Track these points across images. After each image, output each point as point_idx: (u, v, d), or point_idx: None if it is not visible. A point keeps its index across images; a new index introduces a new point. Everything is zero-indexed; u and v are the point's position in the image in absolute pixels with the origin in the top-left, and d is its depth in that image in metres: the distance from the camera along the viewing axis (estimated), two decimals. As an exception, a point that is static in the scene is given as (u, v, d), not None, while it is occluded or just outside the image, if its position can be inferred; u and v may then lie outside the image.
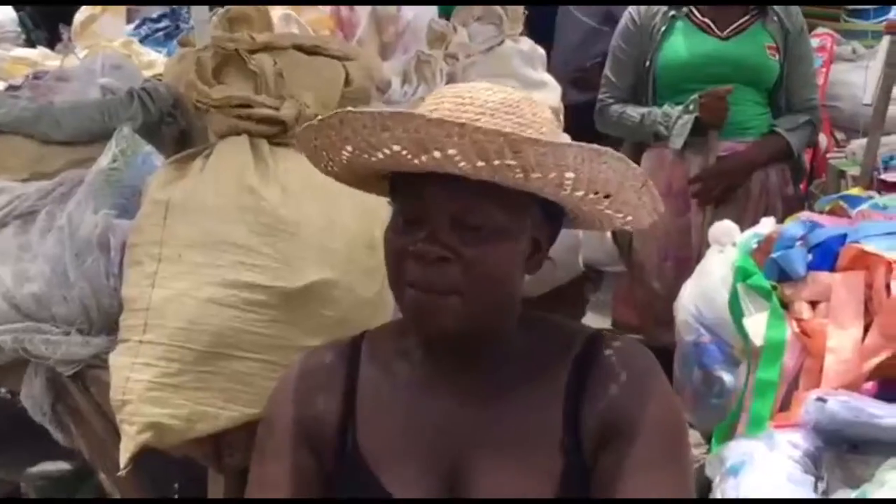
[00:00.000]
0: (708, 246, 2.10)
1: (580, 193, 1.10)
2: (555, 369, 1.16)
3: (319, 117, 1.10)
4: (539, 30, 3.88)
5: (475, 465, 1.13)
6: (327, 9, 3.41)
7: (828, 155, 3.43)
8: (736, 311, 1.80)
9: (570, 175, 1.06)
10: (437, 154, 1.03)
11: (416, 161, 1.05)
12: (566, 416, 1.13)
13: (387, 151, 1.06)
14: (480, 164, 1.03)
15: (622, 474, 1.08)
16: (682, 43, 2.80)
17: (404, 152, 1.05)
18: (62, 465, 2.61)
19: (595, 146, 1.07)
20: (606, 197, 1.11)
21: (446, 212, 1.08)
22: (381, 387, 1.20)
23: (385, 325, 1.30)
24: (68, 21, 3.90)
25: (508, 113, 1.10)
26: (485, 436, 1.14)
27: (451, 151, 1.02)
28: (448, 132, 1.01)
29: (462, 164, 1.03)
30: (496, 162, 1.02)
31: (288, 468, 1.19)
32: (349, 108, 1.08)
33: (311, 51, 2.36)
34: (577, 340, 1.18)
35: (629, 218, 1.17)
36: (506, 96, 1.12)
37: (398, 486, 1.14)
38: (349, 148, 1.10)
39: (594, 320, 3.22)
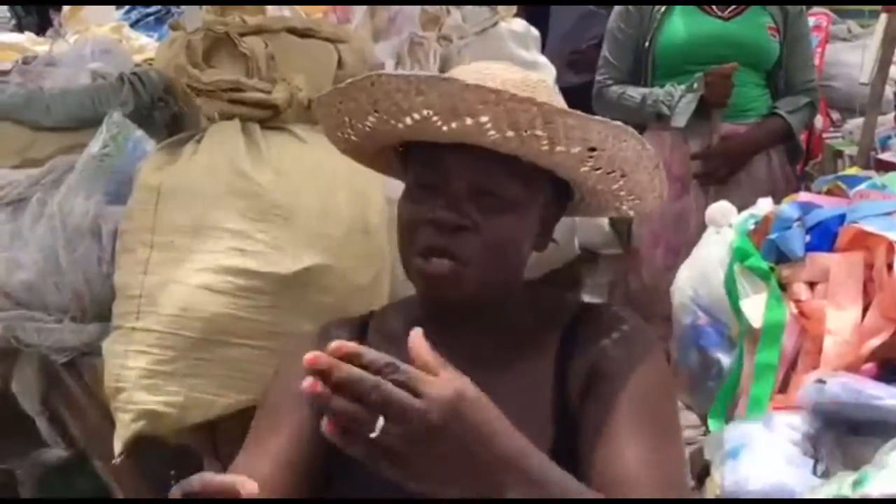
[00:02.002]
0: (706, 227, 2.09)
1: (599, 171, 1.11)
2: (547, 338, 1.17)
3: (349, 81, 1.10)
4: (534, 11, 3.86)
5: None
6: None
7: (824, 135, 3.42)
8: (732, 292, 1.79)
9: (593, 151, 1.08)
10: (468, 121, 1.03)
11: (445, 128, 1.05)
12: (556, 384, 1.14)
13: (416, 117, 1.06)
14: (510, 133, 1.04)
15: (604, 426, 1.07)
16: (683, 23, 2.77)
17: (435, 118, 1.05)
18: (58, 453, 2.59)
19: (618, 123, 1.09)
20: (622, 176, 1.13)
21: (466, 181, 1.09)
22: None
23: (391, 303, 1.32)
24: (58, 7, 3.87)
25: (528, 91, 1.10)
26: None
27: (483, 119, 1.03)
28: (483, 98, 1.01)
29: (492, 133, 1.04)
30: (526, 132, 1.04)
31: (290, 416, 1.16)
32: (381, 72, 1.08)
33: (304, 33, 2.33)
34: (568, 311, 1.20)
35: (636, 201, 1.18)
36: (525, 76, 1.14)
37: None
38: (377, 113, 1.10)
39: (590, 303, 3.20)
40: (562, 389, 1.14)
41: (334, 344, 0.81)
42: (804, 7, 2.87)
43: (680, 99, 2.69)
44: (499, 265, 1.12)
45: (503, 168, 1.09)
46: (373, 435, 0.78)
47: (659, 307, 2.68)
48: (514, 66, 1.17)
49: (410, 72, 1.06)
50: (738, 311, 1.77)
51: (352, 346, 0.81)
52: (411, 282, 1.16)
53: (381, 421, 0.78)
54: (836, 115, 3.85)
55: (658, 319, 2.64)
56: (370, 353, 0.81)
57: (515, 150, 1.06)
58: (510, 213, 1.11)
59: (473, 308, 1.14)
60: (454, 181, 1.10)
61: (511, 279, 1.17)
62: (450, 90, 1.02)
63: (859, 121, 2.85)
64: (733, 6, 2.76)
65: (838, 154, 2.96)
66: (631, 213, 1.22)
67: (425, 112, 1.05)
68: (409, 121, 1.07)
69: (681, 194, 2.77)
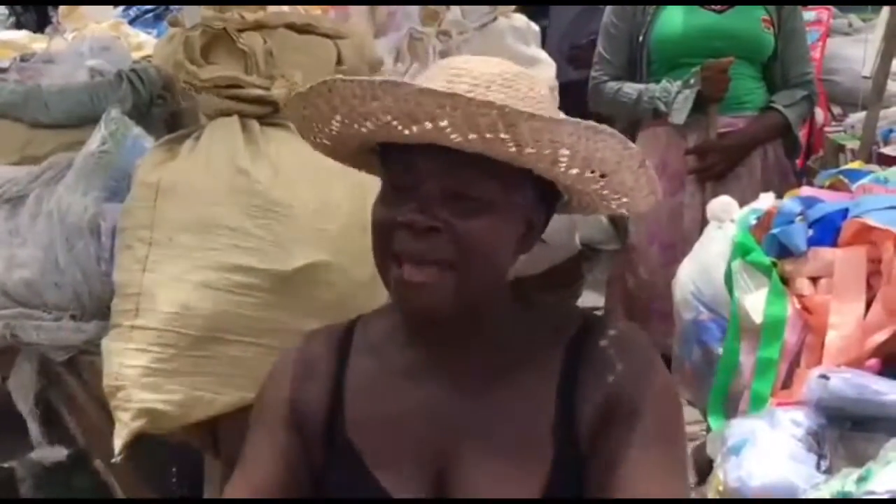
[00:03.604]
0: (707, 224, 2.08)
1: (575, 171, 1.06)
2: (547, 355, 1.12)
3: (308, 86, 1.06)
4: (534, 6, 3.85)
5: (465, 454, 1.10)
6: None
7: (826, 129, 3.41)
8: (730, 287, 1.78)
9: (565, 152, 1.03)
10: (428, 125, 1.00)
11: (406, 132, 1.02)
12: (559, 403, 1.09)
13: (377, 122, 1.03)
14: (472, 136, 1.00)
15: (619, 461, 1.05)
16: (678, 17, 2.76)
17: (395, 123, 1.02)
18: (58, 452, 2.59)
19: (592, 123, 1.03)
20: (602, 177, 1.08)
21: (438, 183, 1.05)
22: (371, 375, 1.17)
23: (380, 308, 1.27)
24: (57, 4, 3.86)
25: (504, 86, 1.07)
26: (474, 424, 1.10)
27: (442, 123, 0.99)
28: (440, 103, 0.98)
29: (454, 136, 1.00)
30: (488, 135, 0.99)
31: (274, 445, 1.17)
32: (338, 76, 1.04)
33: (303, 29, 2.33)
34: (571, 325, 1.14)
35: (625, 200, 1.13)
36: (503, 69, 1.09)
37: (387, 476, 1.12)
38: (338, 117, 1.07)
39: (591, 299, 3.20)
40: (566, 417, 1.09)
41: None
42: None
43: (677, 95, 2.68)
44: (476, 269, 1.06)
45: (478, 167, 1.04)
46: None
47: (657, 304, 2.68)
48: (496, 59, 1.11)
49: (367, 77, 1.02)
50: (734, 305, 1.76)
51: None
52: (387, 290, 1.10)
53: None
54: (837, 110, 3.84)
55: (656, 317, 2.64)
56: None
57: (483, 152, 1.02)
58: (486, 214, 1.06)
59: (454, 318, 1.08)
60: (426, 183, 1.05)
61: (492, 284, 1.11)
62: (404, 95, 0.99)
63: (861, 115, 2.83)
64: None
65: (840, 148, 2.95)
66: (623, 211, 1.17)
67: (385, 117, 1.02)
68: (370, 125, 1.05)
69: (676, 191, 2.76)
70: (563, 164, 1.05)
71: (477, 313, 1.11)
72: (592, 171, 1.07)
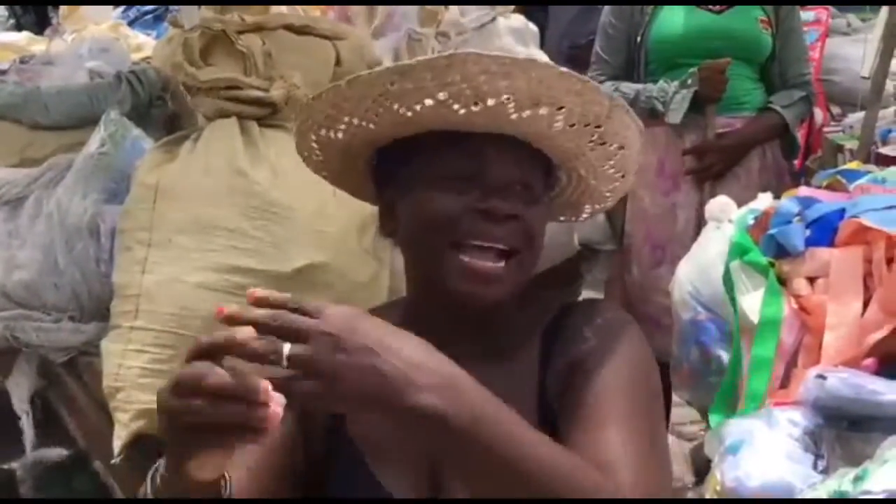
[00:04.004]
0: (705, 224, 2.08)
1: (613, 171, 1.17)
2: (530, 339, 1.16)
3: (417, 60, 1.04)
4: (533, 7, 3.85)
5: None
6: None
7: (824, 129, 3.41)
8: (728, 287, 1.78)
9: (623, 151, 1.13)
10: (542, 110, 1.03)
11: (514, 116, 1.04)
12: (540, 381, 1.13)
13: (490, 102, 1.03)
14: (573, 126, 1.06)
15: (582, 414, 1.05)
16: (676, 17, 2.76)
17: (511, 105, 1.03)
18: (59, 452, 2.59)
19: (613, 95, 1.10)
20: (620, 149, 1.14)
21: (505, 170, 1.08)
22: None
23: (380, 305, 1.28)
24: (57, 5, 3.87)
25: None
26: None
27: (559, 110, 1.04)
28: (568, 86, 1.03)
29: (558, 125, 1.05)
30: (587, 127, 1.07)
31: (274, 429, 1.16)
32: (468, 50, 1.02)
33: (302, 30, 2.33)
34: (551, 309, 1.18)
35: (623, 177, 1.19)
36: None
37: (386, 473, 1.13)
38: (441, 95, 1.04)
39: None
40: (544, 388, 1.13)
41: (248, 291, 0.86)
42: None
43: (674, 95, 2.69)
44: (534, 256, 1.11)
45: (535, 160, 1.10)
46: (284, 362, 0.83)
47: (649, 306, 2.69)
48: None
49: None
50: (734, 305, 1.77)
51: (260, 291, 0.86)
52: (435, 281, 1.09)
53: (286, 347, 0.83)
54: (836, 110, 3.84)
55: (647, 318, 2.65)
56: (274, 294, 0.86)
57: (563, 147, 1.08)
58: (540, 203, 1.11)
59: (493, 309, 1.11)
60: (492, 170, 1.08)
61: (530, 277, 1.14)
62: (540, 76, 1.01)
63: (860, 115, 2.84)
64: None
65: (839, 149, 2.95)
66: (607, 196, 1.22)
67: (504, 97, 1.02)
68: (476, 108, 1.03)
69: (671, 190, 2.76)
70: (611, 164, 1.15)
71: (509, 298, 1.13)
72: (611, 145, 1.13)
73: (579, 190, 1.21)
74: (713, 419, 1.81)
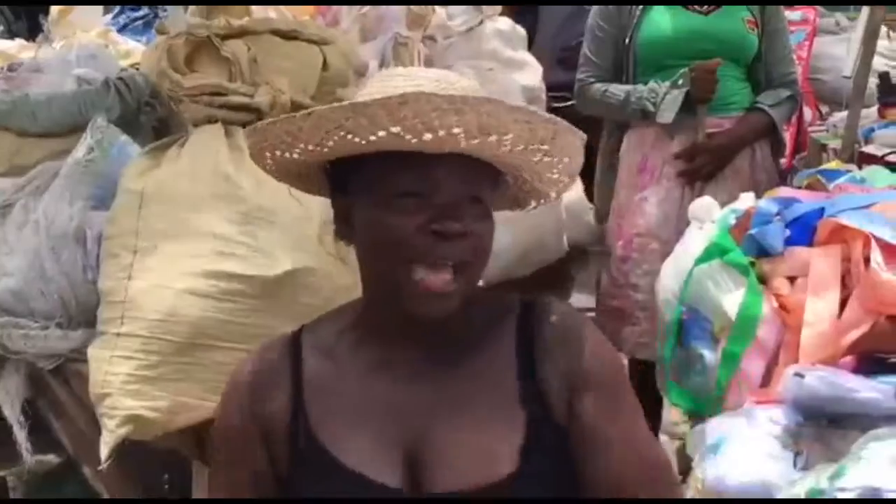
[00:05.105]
0: (679, 220, 2.09)
1: (557, 176, 1.21)
2: (497, 339, 1.20)
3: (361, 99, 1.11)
4: (522, 10, 3.86)
5: (435, 432, 1.15)
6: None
7: (810, 128, 3.42)
8: (693, 288, 1.80)
9: (566, 160, 1.17)
10: (492, 138, 1.08)
11: (464, 144, 1.08)
12: (522, 378, 1.17)
13: (441, 133, 1.07)
14: (520, 147, 1.11)
15: (598, 422, 1.15)
16: (664, 19, 2.77)
17: (461, 135, 1.07)
18: (49, 460, 2.59)
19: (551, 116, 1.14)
20: (544, 145, 1.17)
21: (454, 189, 1.11)
22: (327, 375, 1.20)
23: (321, 316, 1.30)
24: (49, 5, 3.85)
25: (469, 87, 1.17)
26: (438, 405, 1.16)
27: (506, 137, 1.08)
28: (515, 117, 1.07)
29: (506, 148, 1.10)
30: (533, 147, 1.12)
31: (246, 475, 1.20)
32: (420, 91, 1.07)
33: (289, 35, 2.33)
34: (512, 310, 1.22)
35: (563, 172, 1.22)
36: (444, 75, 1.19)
37: (360, 461, 1.14)
38: (395, 129, 1.08)
39: (580, 299, 3.21)
40: (528, 385, 1.17)
41: None
42: None
43: (665, 95, 2.69)
44: (480, 269, 1.15)
45: (480, 172, 1.13)
46: None
47: (619, 301, 2.72)
48: (455, 73, 1.22)
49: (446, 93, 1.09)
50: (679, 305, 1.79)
51: None
52: (390, 295, 1.13)
53: None
54: (825, 109, 3.84)
55: (617, 313, 2.70)
56: None
57: (508, 162, 1.14)
58: (488, 216, 1.15)
59: (445, 319, 1.14)
60: (447, 190, 1.10)
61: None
62: (489, 111, 1.06)
63: (844, 114, 2.85)
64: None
65: (823, 148, 2.96)
66: (552, 193, 1.27)
67: (455, 130, 1.06)
68: (428, 136, 1.07)
69: (646, 185, 2.77)
70: (557, 171, 1.19)
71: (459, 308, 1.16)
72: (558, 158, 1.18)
73: (525, 190, 1.26)
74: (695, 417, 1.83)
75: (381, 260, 1.13)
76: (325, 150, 1.14)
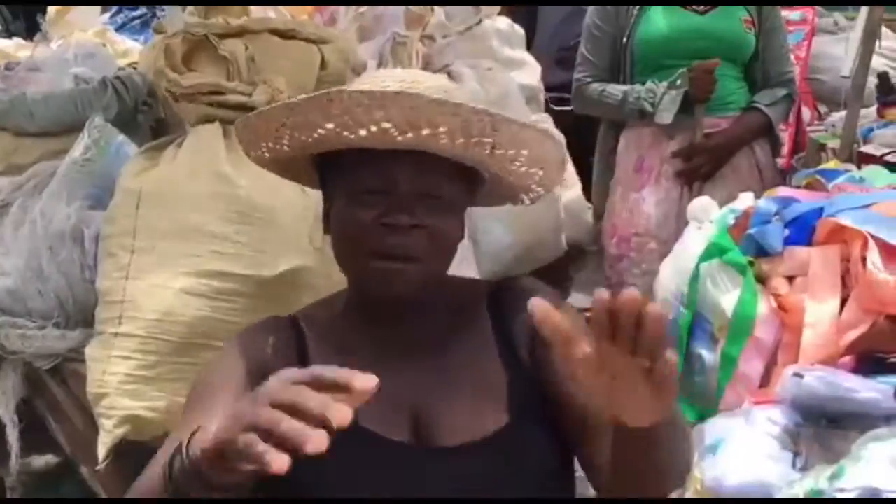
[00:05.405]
0: (686, 223, 2.09)
1: (525, 169, 1.24)
2: (475, 314, 1.30)
3: (297, 97, 1.17)
4: (521, 10, 3.85)
5: (433, 398, 1.22)
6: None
7: (808, 128, 3.42)
8: (694, 288, 1.80)
9: (524, 152, 1.21)
10: (425, 131, 1.12)
11: (399, 138, 1.13)
12: (499, 340, 1.27)
13: (373, 129, 1.13)
14: (461, 140, 1.14)
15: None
16: (662, 18, 2.77)
17: (393, 130, 1.13)
18: (47, 460, 2.59)
19: (543, 126, 1.23)
20: (541, 169, 1.26)
21: (412, 185, 1.17)
22: (330, 355, 1.23)
23: (314, 304, 1.36)
24: (46, 12, 3.85)
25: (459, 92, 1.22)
26: (436, 376, 1.24)
27: (441, 129, 1.12)
28: (443, 111, 1.11)
29: (444, 141, 1.14)
30: (474, 140, 1.15)
31: (226, 400, 1.17)
32: (342, 88, 1.16)
33: (287, 34, 2.33)
34: (482, 291, 1.33)
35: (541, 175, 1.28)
36: (446, 83, 1.26)
37: (371, 420, 1.16)
38: (329, 125, 1.16)
39: (579, 299, 3.21)
40: (505, 344, 1.27)
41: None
42: None
43: (663, 95, 2.69)
44: (441, 261, 1.23)
45: (441, 171, 1.18)
46: None
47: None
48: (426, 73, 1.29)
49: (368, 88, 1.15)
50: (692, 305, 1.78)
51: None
52: (358, 282, 1.24)
53: None
54: (823, 109, 3.84)
55: None
56: None
57: (462, 155, 1.17)
58: (450, 211, 1.21)
59: (413, 301, 1.22)
60: (399, 185, 1.17)
61: (445, 272, 1.26)
62: (412, 104, 1.11)
63: (842, 114, 2.85)
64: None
65: (822, 147, 2.96)
66: (540, 190, 1.31)
67: (385, 125, 1.12)
68: (363, 132, 1.14)
69: (644, 185, 2.77)
70: (520, 163, 1.23)
71: (425, 296, 1.24)
72: (534, 168, 1.25)
73: (504, 185, 1.30)
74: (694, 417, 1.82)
75: (348, 252, 1.22)
76: (285, 148, 1.23)
